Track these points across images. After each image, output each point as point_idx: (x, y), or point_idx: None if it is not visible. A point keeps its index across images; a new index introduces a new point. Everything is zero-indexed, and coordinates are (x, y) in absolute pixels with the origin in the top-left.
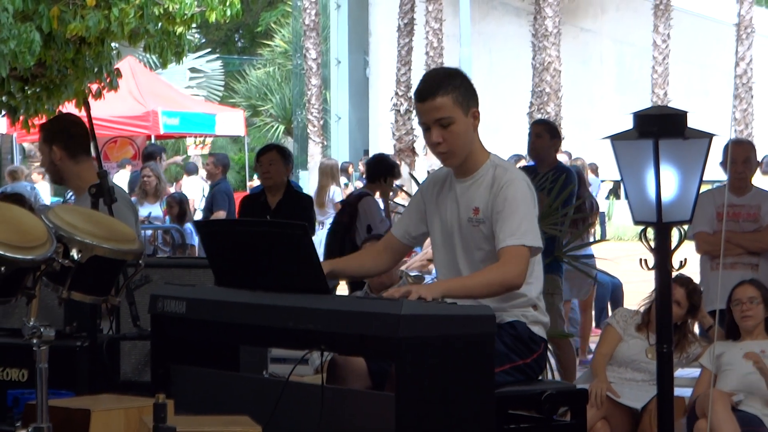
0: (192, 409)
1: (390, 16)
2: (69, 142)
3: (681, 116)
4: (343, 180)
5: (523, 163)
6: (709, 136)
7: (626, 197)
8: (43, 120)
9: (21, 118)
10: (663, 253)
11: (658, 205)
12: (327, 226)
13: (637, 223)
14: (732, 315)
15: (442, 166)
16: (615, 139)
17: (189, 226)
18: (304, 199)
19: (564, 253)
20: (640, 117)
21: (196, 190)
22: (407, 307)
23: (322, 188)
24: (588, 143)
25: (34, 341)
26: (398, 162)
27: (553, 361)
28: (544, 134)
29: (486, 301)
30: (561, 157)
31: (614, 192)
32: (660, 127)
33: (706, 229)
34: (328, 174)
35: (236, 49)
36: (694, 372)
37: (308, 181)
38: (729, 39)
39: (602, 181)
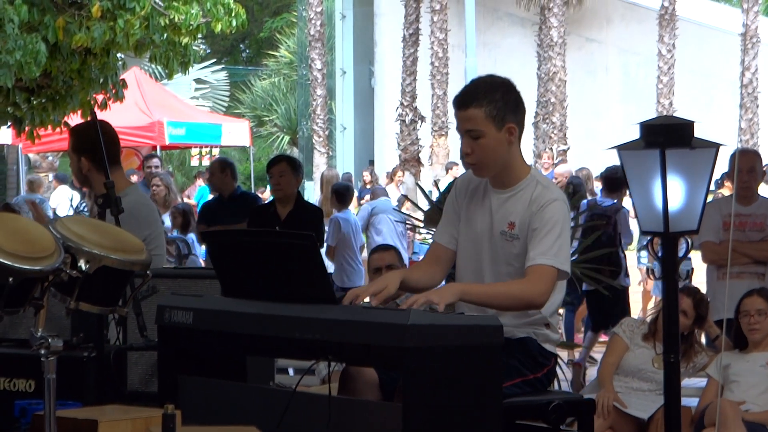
0: (199, 419)
1: (395, 27)
2: (97, 154)
3: (688, 126)
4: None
5: (456, 169)
6: (716, 146)
7: (633, 207)
8: (49, 131)
9: (26, 128)
10: (670, 263)
11: (665, 215)
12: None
13: (643, 233)
14: (739, 325)
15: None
16: (621, 149)
17: (192, 236)
18: (315, 211)
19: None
20: (647, 127)
21: (63, 198)
22: (414, 316)
23: (328, 199)
24: (593, 153)
25: (42, 352)
26: (401, 172)
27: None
28: None
29: (502, 318)
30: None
31: None
32: (667, 137)
33: (712, 238)
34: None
35: (241, 58)
36: (700, 382)
37: (314, 192)
38: (734, 49)
39: None
